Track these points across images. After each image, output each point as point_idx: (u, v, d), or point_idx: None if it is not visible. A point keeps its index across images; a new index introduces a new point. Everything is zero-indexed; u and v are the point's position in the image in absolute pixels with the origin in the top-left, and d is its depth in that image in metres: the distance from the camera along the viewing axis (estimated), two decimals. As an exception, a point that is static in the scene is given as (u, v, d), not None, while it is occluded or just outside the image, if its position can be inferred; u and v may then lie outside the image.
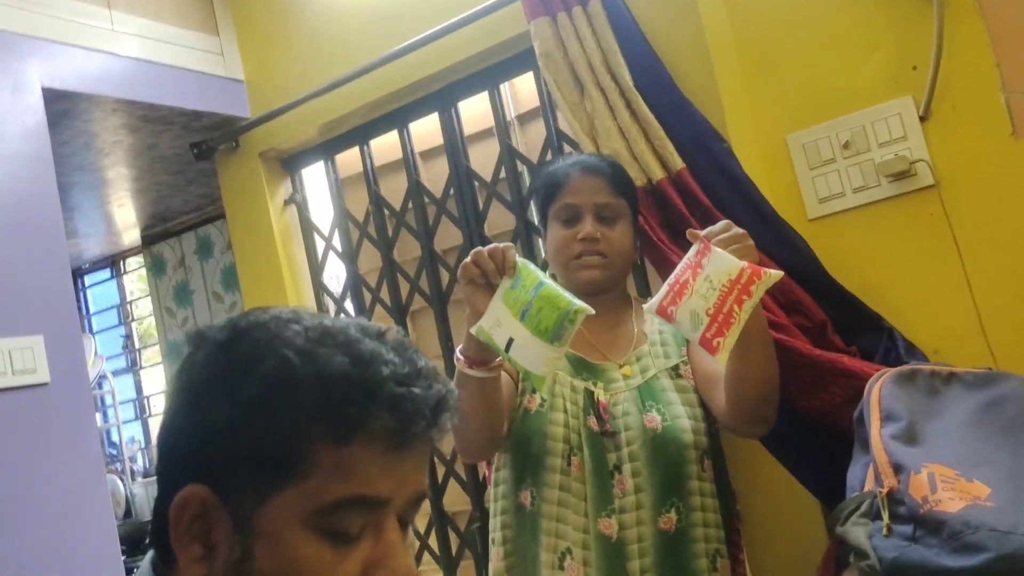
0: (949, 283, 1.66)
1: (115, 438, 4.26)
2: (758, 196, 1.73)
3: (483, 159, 2.36)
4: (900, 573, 1.15)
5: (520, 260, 1.43)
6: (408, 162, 2.47)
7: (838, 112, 1.77)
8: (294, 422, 0.67)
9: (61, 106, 2.31)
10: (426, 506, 2.41)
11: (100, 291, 4.46)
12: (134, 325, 4.43)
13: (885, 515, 1.22)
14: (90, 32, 2.32)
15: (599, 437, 1.54)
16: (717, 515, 1.57)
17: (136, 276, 4.39)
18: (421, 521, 2.47)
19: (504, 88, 2.34)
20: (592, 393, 1.56)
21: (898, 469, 1.24)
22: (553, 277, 1.53)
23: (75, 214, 3.42)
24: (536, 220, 1.74)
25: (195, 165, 2.85)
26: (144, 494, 4.09)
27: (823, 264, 1.71)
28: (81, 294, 4.44)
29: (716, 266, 1.34)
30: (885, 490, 1.23)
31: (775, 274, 1.33)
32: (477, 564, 2.34)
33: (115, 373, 4.37)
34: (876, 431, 1.32)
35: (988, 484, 1.20)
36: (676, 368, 1.61)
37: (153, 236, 4.00)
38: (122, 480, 4.13)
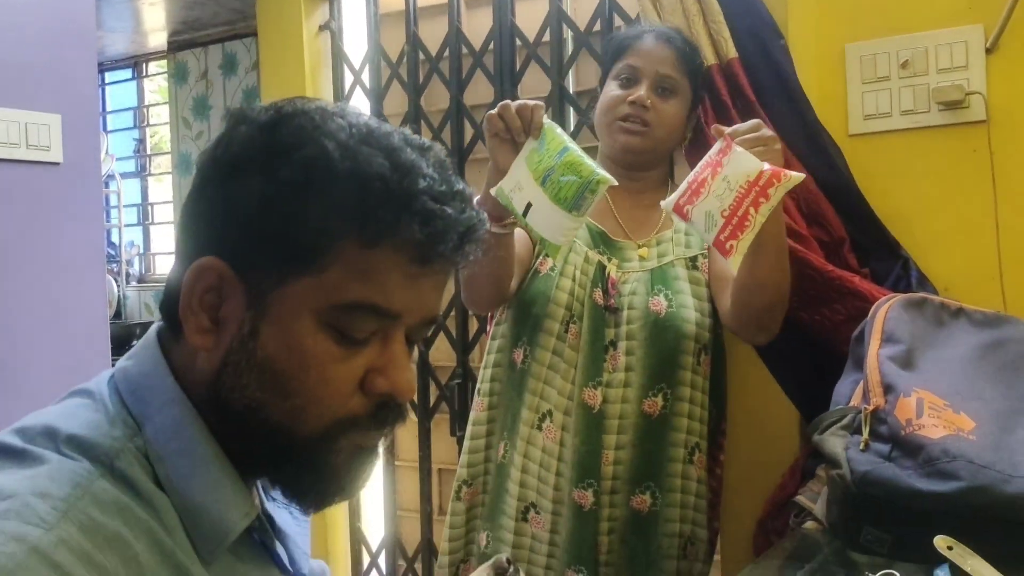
0: (977, 223, 1.64)
1: (115, 239, 4.28)
2: (803, 100, 1.69)
3: (529, 18, 2.29)
4: (870, 487, 1.17)
5: (547, 122, 1.39)
6: (452, 7, 2.39)
7: (904, 29, 1.70)
8: (326, 212, 0.66)
9: None
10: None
11: (119, 90, 4.40)
12: (148, 131, 4.39)
13: (866, 430, 1.23)
14: None
15: (601, 310, 1.54)
16: (704, 411, 1.59)
17: (156, 85, 4.33)
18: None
19: (563, -54, 2.24)
20: (604, 268, 1.56)
21: (888, 389, 1.25)
22: (592, 151, 1.49)
23: (103, 4, 3.33)
24: (598, 85, 1.69)
25: (233, -25, 2.76)
26: (137, 298, 4.14)
27: (855, 181, 1.68)
28: (100, 89, 4.38)
29: (736, 166, 1.31)
30: (871, 407, 1.24)
31: (796, 176, 1.29)
32: (452, 419, 2.39)
33: (123, 176, 4.36)
34: (874, 350, 1.32)
35: (974, 419, 1.21)
36: (694, 259, 1.60)
37: (179, 43, 3.92)
38: (116, 282, 4.17)
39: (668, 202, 1.40)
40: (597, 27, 2.13)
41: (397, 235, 0.67)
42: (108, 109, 4.43)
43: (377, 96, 2.55)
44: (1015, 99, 1.62)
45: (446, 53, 2.41)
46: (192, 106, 3.94)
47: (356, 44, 2.65)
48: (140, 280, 4.28)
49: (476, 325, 2.36)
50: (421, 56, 2.47)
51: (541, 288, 1.56)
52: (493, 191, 1.39)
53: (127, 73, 4.30)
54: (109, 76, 4.36)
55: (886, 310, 1.39)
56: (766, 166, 1.29)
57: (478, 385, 1.67)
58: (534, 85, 2.31)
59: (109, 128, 4.44)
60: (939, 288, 1.64)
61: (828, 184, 1.67)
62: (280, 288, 0.67)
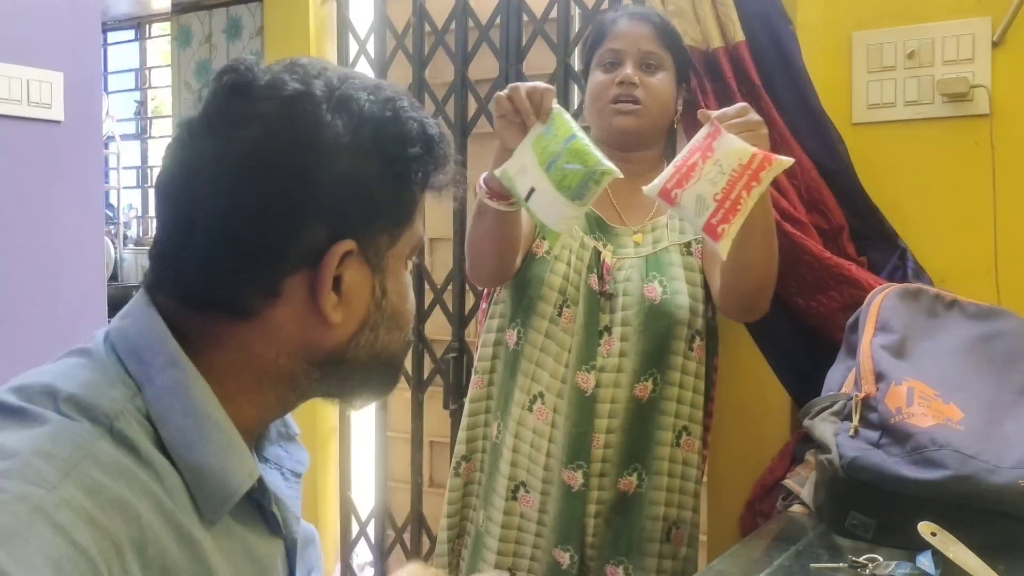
0: (975, 216, 1.64)
1: (113, 201, 4.27)
2: (808, 86, 1.69)
3: (537, -7, 2.28)
4: (857, 472, 1.19)
5: (556, 108, 1.38)
6: (460, -20, 2.37)
7: (912, 19, 1.70)
8: (424, 173, 0.78)
9: None
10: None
11: (121, 51, 4.38)
12: (149, 93, 4.36)
13: (856, 417, 1.24)
14: None
15: (596, 296, 1.55)
16: (696, 395, 1.60)
17: (159, 47, 4.30)
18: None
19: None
20: (599, 254, 1.57)
21: (880, 377, 1.26)
22: (587, 130, 1.48)
23: (108, -37, 3.30)
24: (580, 70, 1.69)
25: (241, -62, 2.74)
26: (134, 261, 4.14)
27: (855, 170, 1.69)
28: (102, 50, 4.35)
29: (727, 150, 1.30)
30: (862, 394, 1.26)
31: (785, 160, 1.30)
32: (446, 392, 2.40)
33: (123, 138, 4.34)
34: (868, 338, 1.33)
35: (963, 409, 1.22)
36: (688, 245, 1.61)
37: (184, 6, 3.87)
38: (114, 244, 4.17)
39: (652, 187, 1.36)
40: (605, 5, 2.12)
41: (436, 177, 0.80)
42: (109, 70, 4.40)
43: (381, 67, 2.54)
44: (1019, 94, 1.62)
45: (452, 26, 2.40)
46: (195, 70, 3.91)
47: (362, 13, 2.63)
48: (137, 243, 4.28)
49: (472, 300, 2.37)
50: (427, 28, 2.45)
51: (535, 271, 1.57)
52: (498, 172, 1.39)
53: (130, 34, 4.27)
54: (111, 36, 4.33)
55: (881, 299, 1.40)
56: (757, 149, 1.30)
57: (476, 362, 1.68)
58: (539, 61, 2.30)
59: (110, 89, 4.42)
60: (935, 280, 1.65)
61: (829, 172, 1.67)
62: (393, 247, 0.77)
